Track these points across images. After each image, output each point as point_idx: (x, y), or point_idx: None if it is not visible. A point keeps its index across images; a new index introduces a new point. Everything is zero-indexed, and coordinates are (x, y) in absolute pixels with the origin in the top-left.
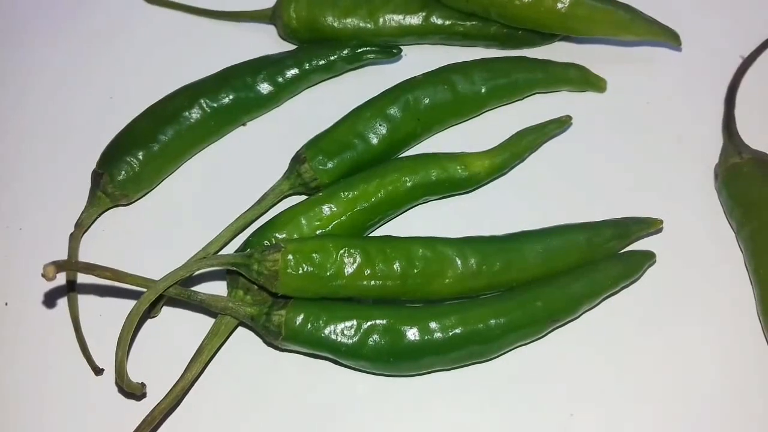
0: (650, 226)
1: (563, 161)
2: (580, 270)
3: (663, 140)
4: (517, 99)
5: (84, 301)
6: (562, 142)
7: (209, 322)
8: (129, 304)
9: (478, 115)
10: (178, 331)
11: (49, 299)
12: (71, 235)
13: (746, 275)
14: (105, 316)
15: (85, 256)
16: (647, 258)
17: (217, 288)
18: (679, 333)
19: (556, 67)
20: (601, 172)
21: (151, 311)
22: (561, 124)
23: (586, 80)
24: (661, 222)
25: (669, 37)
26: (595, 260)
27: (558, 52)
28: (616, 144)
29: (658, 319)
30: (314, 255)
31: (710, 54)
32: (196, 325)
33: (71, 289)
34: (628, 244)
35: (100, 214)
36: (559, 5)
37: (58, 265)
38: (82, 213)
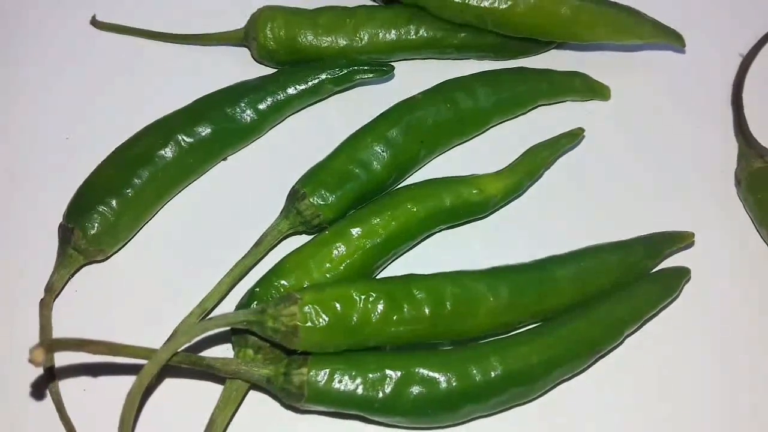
0: (682, 240)
1: (575, 176)
2: (618, 294)
3: (673, 146)
4: (522, 113)
5: (63, 375)
6: (571, 156)
7: (213, 387)
8: (115, 372)
9: (482, 132)
10: (180, 402)
11: (25, 379)
12: (42, 301)
13: None
14: (90, 390)
15: (58, 324)
16: (683, 275)
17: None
18: (723, 350)
19: (560, 77)
20: (614, 184)
21: None
22: (574, 137)
23: (590, 88)
24: (693, 235)
25: (673, 39)
26: (628, 281)
27: (553, 60)
28: (625, 153)
29: (698, 337)
30: (336, 304)
31: (708, 54)
32: (199, 393)
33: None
34: (660, 262)
35: (73, 274)
36: (563, 10)
37: (47, 346)
38: (52, 275)
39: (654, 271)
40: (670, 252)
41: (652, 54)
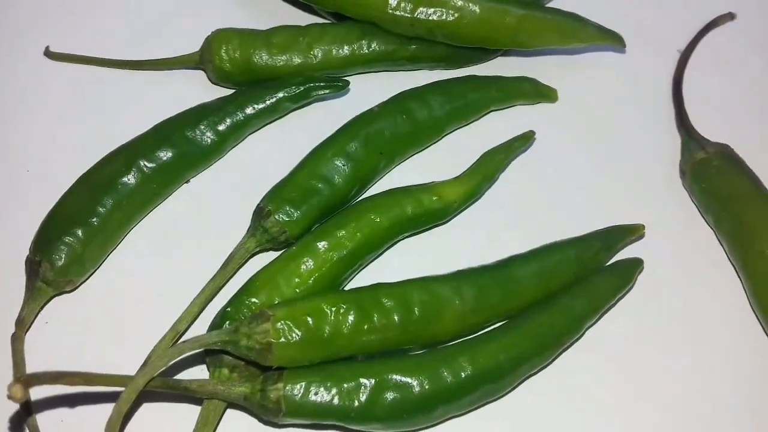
0: (634, 232)
1: (529, 177)
2: (577, 288)
3: (619, 142)
4: (475, 119)
5: (40, 407)
6: (524, 158)
7: (191, 408)
8: (92, 401)
9: (438, 140)
10: (159, 426)
11: (1, 415)
12: (13, 336)
13: (729, 266)
14: (67, 421)
15: (30, 357)
16: (637, 265)
17: (178, 367)
18: (677, 335)
19: (509, 82)
20: (566, 182)
21: None
22: (526, 140)
23: (538, 92)
24: (643, 227)
25: (613, 40)
26: (585, 274)
27: (501, 66)
28: (575, 152)
29: (654, 322)
30: (307, 318)
31: (647, 52)
32: (177, 416)
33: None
34: (615, 254)
35: (42, 306)
36: (508, 19)
37: (25, 381)
38: (21, 309)
39: (609, 263)
40: (623, 244)
41: (595, 55)
